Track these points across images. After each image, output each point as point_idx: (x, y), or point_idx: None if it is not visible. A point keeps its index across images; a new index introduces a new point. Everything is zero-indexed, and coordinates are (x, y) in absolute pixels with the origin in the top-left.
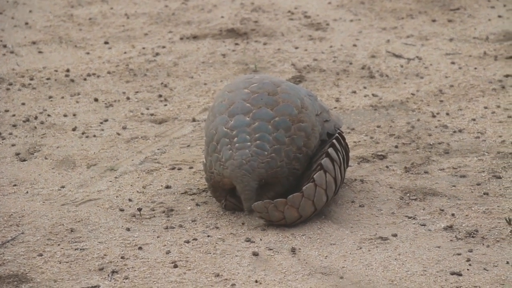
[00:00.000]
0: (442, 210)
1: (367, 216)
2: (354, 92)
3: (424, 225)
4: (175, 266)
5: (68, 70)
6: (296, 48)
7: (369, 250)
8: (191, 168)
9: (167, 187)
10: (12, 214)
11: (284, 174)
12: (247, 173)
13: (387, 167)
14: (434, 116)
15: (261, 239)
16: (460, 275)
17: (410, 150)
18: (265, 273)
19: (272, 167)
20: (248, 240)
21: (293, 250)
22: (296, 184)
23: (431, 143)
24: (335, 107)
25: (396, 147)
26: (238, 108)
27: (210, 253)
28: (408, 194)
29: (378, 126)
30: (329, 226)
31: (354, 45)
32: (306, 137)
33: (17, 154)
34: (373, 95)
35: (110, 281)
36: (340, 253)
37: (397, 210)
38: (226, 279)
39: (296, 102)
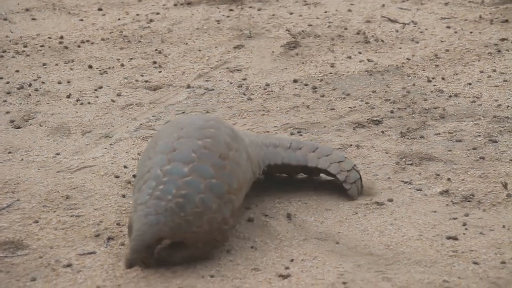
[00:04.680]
0: (438, 175)
1: (363, 181)
2: (349, 57)
3: (420, 189)
4: None
5: (62, 37)
6: (291, 13)
7: (365, 215)
8: None
9: None
10: (7, 181)
11: (201, 240)
12: (148, 225)
13: (382, 132)
14: (429, 81)
15: (256, 205)
16: (456, 239)
17: (405, 115)
18: (261, 239)
19: (181, 230)
20: (243, 206)
21: (288, 216)
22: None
23: (427, 108)
24: (330, 73)
25: (392, 112)
26: (181, 155)
27: None
28: (404, 159)
29: (374, 91)
30: (325, 192)
31: (349, 10)
32: (233, 210)
33: (12, 121)
34: (368, 60)
35: (106, 247)
36: (336, 219)
37: (393, 175)
38: (222, 245)
39: (239, 177)
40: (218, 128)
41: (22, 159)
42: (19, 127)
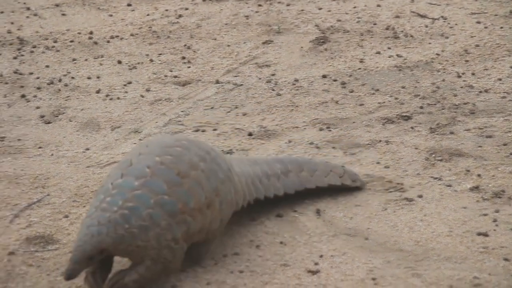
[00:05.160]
0: (468, 171)
1: (393, 177)
2: (379, 52)
3: (450, 185)
4: None
5: (91, 33)
6: (320, 9)
7: (394, 211)
8: (215, 130)
9: None
10: (37, 176)
11: (148, 257)
12: (89, 235)
13: (412, 128)
14: (459, 76)
15: (285, 201)
16: (487, 235)
17: (435, 111)
18: (290, 235)
19: (125, 243)
20: (272, 203)
21: (318, 212)
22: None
23: (457, 104)
24: (359, 68)
25: (421, 107)
26: (134, 170)
27: (235, 215)
28: (434, 155)
29: (403, 87)
30: (354, 188)
31: (378, 6)
32: (188, 232)
33: (42, 116)
34: (397, 55)
35: None
36: (365, 214)
37: (423, 171)
38: (251, 240)
39: (201, 197)
40: (186, 148)
41: (52, 154)
42: (49, 122)
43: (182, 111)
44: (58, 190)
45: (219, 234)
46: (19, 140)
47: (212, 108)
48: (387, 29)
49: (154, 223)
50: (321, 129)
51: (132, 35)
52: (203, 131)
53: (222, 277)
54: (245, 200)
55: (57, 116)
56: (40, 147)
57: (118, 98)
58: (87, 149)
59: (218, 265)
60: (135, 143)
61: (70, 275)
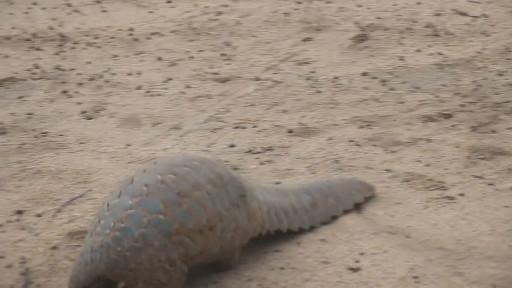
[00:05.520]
0: (510, 170)
1: (433, 175)
2: (419, 50)
3: (491, 184)
4: None
5: (131, 29)
6: (360, 6)
7: (436, 210)
8: (255, 127)
9: (232, 145)
10: (79, 172)
11: (141, 279)
12: (82, 264)
13: (453, 126)
14: (501, 75)
15: None
16: None
17: (476, 109)
18: (331, 232)
19: (119, 267)
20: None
21: (358, 210)
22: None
23: (498, 102)
24: (399, 66)
25: (462, 106)
26: (132, 189)
27: None
28: (475, 153)
29: (444, 85)
30: (395, 185)
31: (418, 3)
32: (186, 254)
33: (83, 112)
34: (438, 53)
35: None
36: (406, 212)
37: (464, 169)
38: (292, 237)
39: (202, 219)
40: (196, 168)
41: (94, 150)
42: (90, 118)
43: (222, 108)
44: (99, 185)
45: (237, 253)
46: (61, 135)
47: (252, 105)
48: (427, 26)
49: (146, 243)
50: (361, 127)
51: (172, 31)
52: (243, 128)
53: (263, 273)
54: (263, 228)
55: (99, 112)
56: (82, 143)
57: (159, 95)
58: (128, 145)
59: (259, 261)
60: (175, 140)
61: None
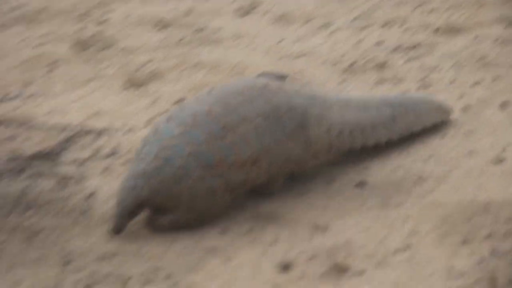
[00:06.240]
0: None
1: None
2: None
3: None
4: None
5: None
6: None
7: None
8: (402, 25)
9: (379, 43)
10: (235, 65)
11: (182, 206)
12: (126, 190)
13: None
14: None
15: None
16: None
17: None
18: (475, 126)
19: (160, 195)
20: None
21: (503, 105)
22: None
23: None
24: None
25: None
26: (179, 117)
27: None
28: None
29: None
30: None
31: None
32: (228, 184)
33: (238, 9)
34: None
35: None
36: None
37: None
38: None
39: (244, 154)
40: (251, 98)
41: (247, 45)
42: (244, 16)
43: (370, 7)
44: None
45: (281, 180)
46: (217, 31)
47: (399, 4)
48: None
49: (187, 174)
50: (507, 26)
51: None
52: (391, 26)
53: (408, 164)
54: (329, 152)
55: (253, 10)
56: (237, 38)
57: None
58: (280, 41)
59: (403, 154)
60: (325, 37)
61: (118, 230)
